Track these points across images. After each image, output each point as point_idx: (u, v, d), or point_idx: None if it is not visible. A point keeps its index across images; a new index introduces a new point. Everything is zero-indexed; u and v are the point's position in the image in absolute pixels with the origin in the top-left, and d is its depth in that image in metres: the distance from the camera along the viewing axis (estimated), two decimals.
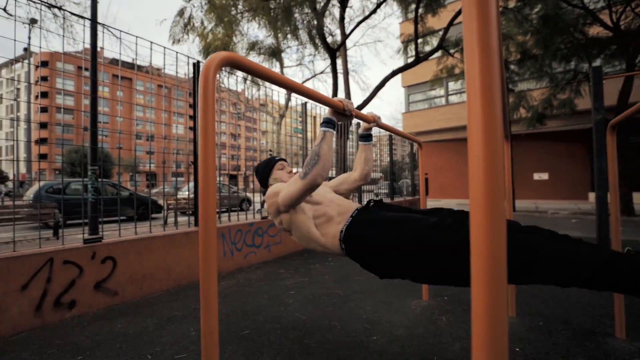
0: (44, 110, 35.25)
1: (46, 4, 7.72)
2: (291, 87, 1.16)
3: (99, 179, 3.10)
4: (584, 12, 8.21)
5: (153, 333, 2.22)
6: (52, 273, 2.40)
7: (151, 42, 3.09)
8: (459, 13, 7.33)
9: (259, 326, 2.29)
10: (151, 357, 1.91)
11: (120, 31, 3.00)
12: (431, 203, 13.74)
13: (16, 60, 2.66)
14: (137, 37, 3.00)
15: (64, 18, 4.37)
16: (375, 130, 7.66)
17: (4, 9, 7.16)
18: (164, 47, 3.19)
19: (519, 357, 1.83)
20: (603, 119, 4.16)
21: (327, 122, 1.37)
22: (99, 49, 4.14)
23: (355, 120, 6.25)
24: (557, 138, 13.64)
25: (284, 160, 1.66)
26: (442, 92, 16.00)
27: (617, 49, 7.85)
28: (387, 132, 8.49)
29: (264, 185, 1.60)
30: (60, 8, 7.57)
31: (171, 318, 2.46)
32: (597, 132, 4.11)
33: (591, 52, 8.34)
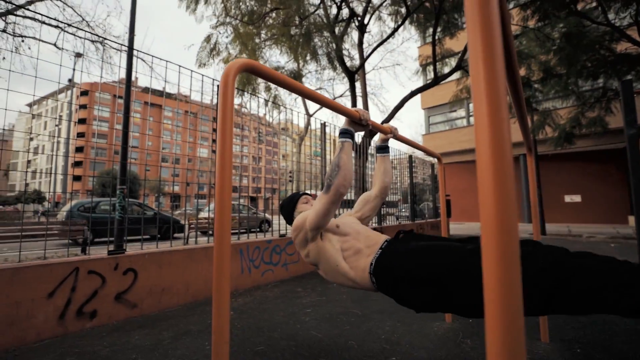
0: (80, 135, 37.87)
1: (90, 40, 8.50)
2: (307, 94, 1.19)
3: (126, 199, 3.24)
4: (610, 29, 8.04)
5: (168, 346, 2.21)
6: (77, 282, 2.48)
7: (179, 66, 3.31)
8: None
9: (273, 343, 2.23)
10: None
11: (152, 56, 3.24)
12: (454, 226, 13.26)
13: (60, 90, 2.91)
14: (167, 61, 3.22)
15: (103, 47, 4.77)
16: (395, 152, 7.64)
17: (54, 44, 7.95)
18: (191, 70, 3.40)
19: None
20: (636, 134, 3.95)
21: (344, 133, 1.38)
22: (133, 78, 4.48)
23: (374, 143, 6.24)
24: (590, 158, 13.01)
25: (308, 194, 1.66)
26: (462, 113, 15.86)
27: None
28: (407, 154, 8.43)
29: (290, 219, 1.59)
30: (102, 42, 8.32)
31: (187, 332, 2.45)
32: (631, 147, 3.90)
33: (620, 68, 8.07)
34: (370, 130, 1.52)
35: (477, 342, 2.19)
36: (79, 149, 37.53)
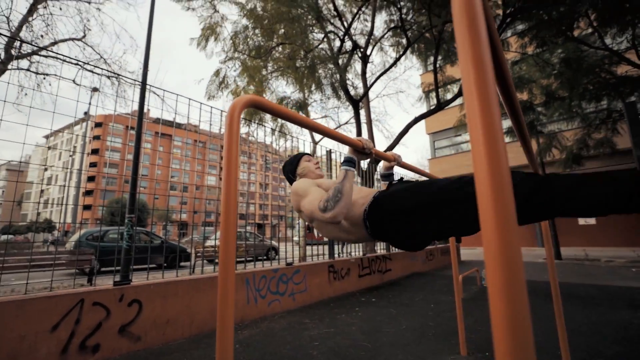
0: (92, 165, 38.88)
1: (106, 75, 8.97)
2: (310, 126, 1.22)
3: (134, 227, 3.26)
4: (608, 53, 8.20)
5: None
6: (82, 314, 2.45)
7: (189, 99, 3.45)
8: None
9: None
10: None
11: (164, 90, 3.40)
12: (466, 251, 12.91)
13: (76, 123, 3.03)
14: (177, 95, 3.36)
15: (118, 82, 5.01)
16: (401, 174, 7.63)
17: (73, 80, 8.40)
18: (200, 103, 3.53)
19: None
20: None
21: (347, 161, 1.40)
22: (146, 110, 4.67)
23: (379, 169, 6.26)
24: None
25: (309, 154, 1.73)
26: (467, 137, 15.96)
27: None
28: (414, 180, 8.43)
29: (291, 179, 1.66)
30: (117, 77, 8.76)
31: None
32: None
33: (623, 90, 8.13)
34: (375, 157, 1.56)
35: None
36: (90, 179, 38.39)
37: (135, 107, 4.39)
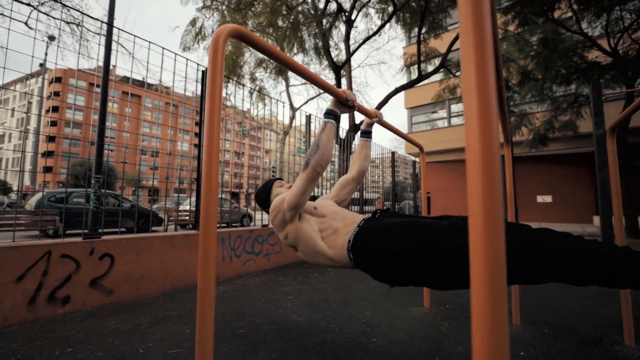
0: (53, 124, 36.03)
1: (65, 21, 8.08)
2: (296, 69, 1.18)
3: (102, 189, 3.10)
4: (582, 38, 8.46)
5: (146, 330, 2.16)
6: (49, 266, 2.38)
7: (163, 48, 3.21)
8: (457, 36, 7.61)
9: (255, 327, 2.23)
10: (143, 352, 1.85)
11: (135, 36, 3.12)
12: None
13: (31, 75, 2.75)
14: (150, 42, 3.12)
15: (80, 30, 4.55)
16: (378, 150, 7.73)
17: (25, 23, 7.51)
18: (175, 54, 3.31)
19: None
20: (604, 134, 4.19)
21: (328, 113, 1.38)
22: (111, 67, 4.29)
23: (357, 139, 6.23)
24: (561, 161, 13.65)
25: (281, 179, 1.65)
26: (444, 114, 16.25)
27: (617, 73, 8.01)
28: (390, 151, 8.56)
29: (266, 206, 1.55)
30: (78, 25, 7.91)
31: (166, 317, 2.40)
32: (599, 146, 4.13)
33: (591, 76, 8.51)
34: (355, 125, 1.56)
35: (453, 325, 2.28)
36: (51, 139, 35.69)
37: (100, 63, 4.02)
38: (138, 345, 1.92)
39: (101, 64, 4.03)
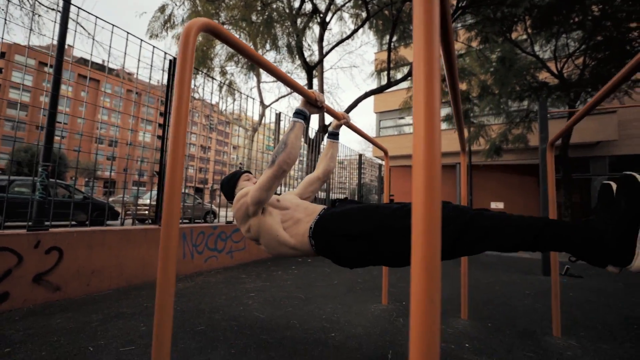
0: None
1: None
2: (267, 67, 1.20)
3: (49, 178, 2.86)
4: (535, 59, 9.26)
5: (97, 328, 2.05)
6: None
7: (127, 33, 3.06)
8: None
9: (214, 323, 2.21)
10: (92, 350, 1.76)
11: (97, 17, 2.93)
12: None
13: None
14: (113, 25, 2.95)
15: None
16: (346, 152, 7.89)
17: None
18: (141, 40, 3.16)
19: (467, 351, 1.91)
20: (545, 149, 4.62)
21: (297, 113, 1.42)
22: (67, 47, 3.96)
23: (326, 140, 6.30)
24: (512, 171, 14.79)
25: (250, 172, 1.66)
26: (410, 120, 16.91)
27: (561, 94, 8.86)
28: (357, 153, 8.76)
29: (230, 197, 1.56)
30: None
31: (119, 314, 2.30)
32: (543, 158, 4.55)
33: (541, 94, 9.33)
34: (324, 125, 1.62)
35: (408, 321, 2.41)
36: None
37: (54, 41, 3.70)
38: (87, 344, 1.83)
39: (55, 42, 3.72)
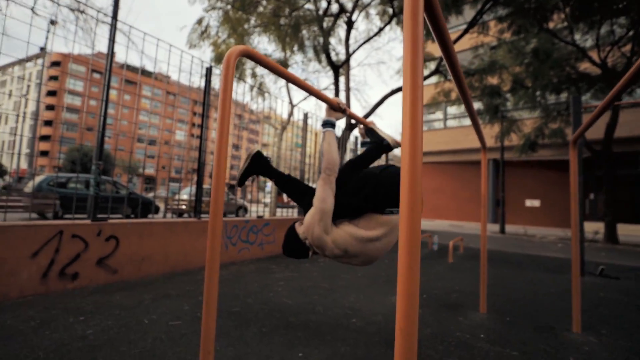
0: (50, 108, 35.72)
1: (70, 8, 8.14)
2: (295, 82, 1.41)
3: (101, 175, 3.27)
4: (575, 49, 8.73)
5: (149, 305, 2.39)
6: (61, 244, 2.59)
7: (170, 45, 3.40)
8: (455, 40, 7.82)
9: (247, 306, 2.47)
10: (147, 322, 2.08)
11: (145, 33, 3.31)
12: (425, 223, 13.91)
13: (28, 59, 2.89)
14: (158, 39, 3.30)
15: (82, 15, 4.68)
16: None
17: (32, 9, 7.56)
18: (181, 50, 3.50)
19: (481, 341, 2.01)
20: (583, 143, 4.45)
21: (325, 123, 1.61)
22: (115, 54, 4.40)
23: (352, 137, 6.43)
24: (550, 167, 14.01)
25: (295, 221, 1.73)
26: (440, 115, 16.52)
27: (604, 85, 8.30)
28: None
29: (305, 248, 1.43)
30: (82, 12, 7.98)
31: (166, 295, 2.63)
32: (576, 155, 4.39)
33: (582, 86, 8.81)
34: (351, 124, 1.78)
35: (426, 311, 2.54)
36: (47, 123, 35.40)
37: (100, 48, 4.14)
38: (142, 317, 2.16)
39: (100, 49, 4.15)
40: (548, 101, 10.10)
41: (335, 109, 1.63)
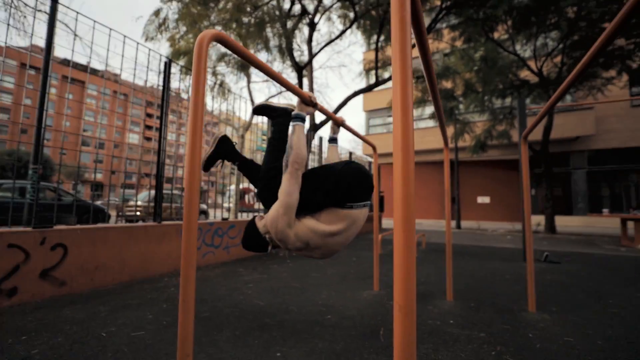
0: None
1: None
2: (269, 73, 1.36)
3: (39, 181, 2.92)
4: (516, 58, 9.62)
5: (106, 317, 2.17)
6: None
7: (124, 36, 3.15)
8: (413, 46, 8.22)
9: (217, 310, 2.35)
10: (105, 335, 1.89)
11: (94, 21, 3.02)
12: (388, 221, 14.38)
13: None
14: (111, 29, 3.04)
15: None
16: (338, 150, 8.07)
17: None
18: (137, 42, 3.26)
19: (452, 326, 2.11)
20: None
21: (295, 117, 1.58)
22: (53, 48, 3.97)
23: (317, 137, 6.47)
24: (497, 166, 15.25)
25: (256, 215, 1.61)
26: None
27: (542, 91, 9.24)
28: (348, 151, 8.96)
29: (264, 244, 1.45)
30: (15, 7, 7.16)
31: (125, 305, 2.42)
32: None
33: (522, 92, 9.72)
34: (315, 125, 1.77)
35: None
36: None
37: (36, 41, 3.70)
38: (99, 330, 1.95)
39: (36, 41, 3.73)
40: (494, 105, 11.01)
41: (307, 103, 1.61)
